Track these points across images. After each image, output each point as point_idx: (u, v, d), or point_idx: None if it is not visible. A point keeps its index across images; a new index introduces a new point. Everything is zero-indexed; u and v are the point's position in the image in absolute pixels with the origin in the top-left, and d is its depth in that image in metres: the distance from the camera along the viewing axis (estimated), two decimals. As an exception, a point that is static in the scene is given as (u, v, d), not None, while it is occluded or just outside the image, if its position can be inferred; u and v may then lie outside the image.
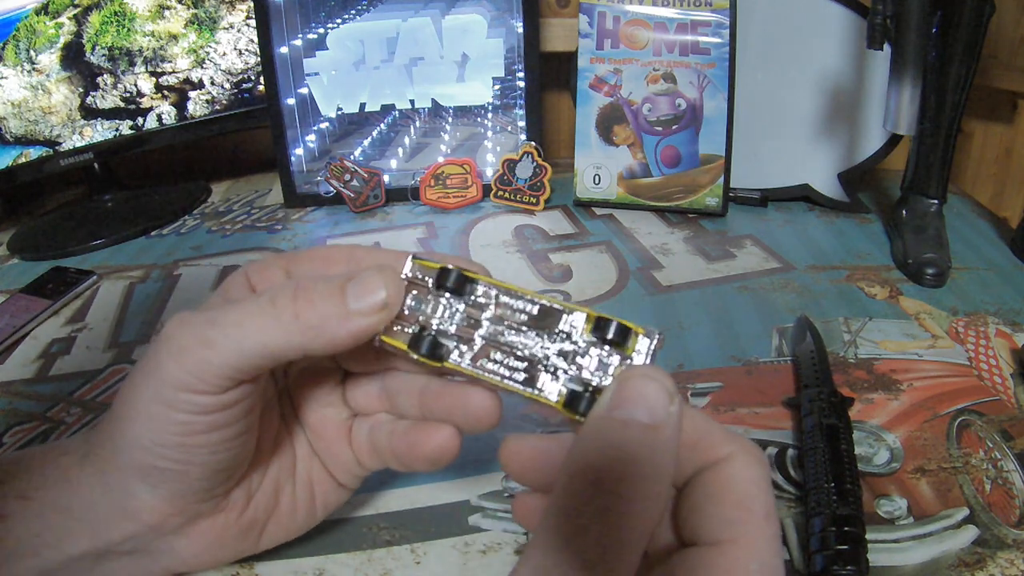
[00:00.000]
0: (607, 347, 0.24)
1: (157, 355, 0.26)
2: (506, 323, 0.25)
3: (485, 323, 0.25)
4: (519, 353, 0.25)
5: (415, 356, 0.26)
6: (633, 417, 0.21)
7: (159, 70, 0.79)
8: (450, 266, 0.26)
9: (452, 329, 0.26)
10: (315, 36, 0.78)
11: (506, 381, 0.25)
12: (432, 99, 0.79)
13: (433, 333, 0.26)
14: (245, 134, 0.95)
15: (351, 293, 0.25)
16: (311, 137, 0.82)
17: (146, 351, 0.27)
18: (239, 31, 0.81)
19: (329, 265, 0.29)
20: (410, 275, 0.27)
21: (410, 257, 0.27)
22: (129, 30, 0.77)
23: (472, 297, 0.26)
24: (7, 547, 0.28)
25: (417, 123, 0.86)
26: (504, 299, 0.25)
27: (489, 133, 0.83)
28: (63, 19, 0.74)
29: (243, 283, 0.29)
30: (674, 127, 0.70)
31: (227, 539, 0.31)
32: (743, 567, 0.20)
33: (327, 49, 0.76)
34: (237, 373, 0.26)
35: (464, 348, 0.26)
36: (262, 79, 0.77)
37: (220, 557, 0.32)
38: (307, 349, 0.25)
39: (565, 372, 0.24)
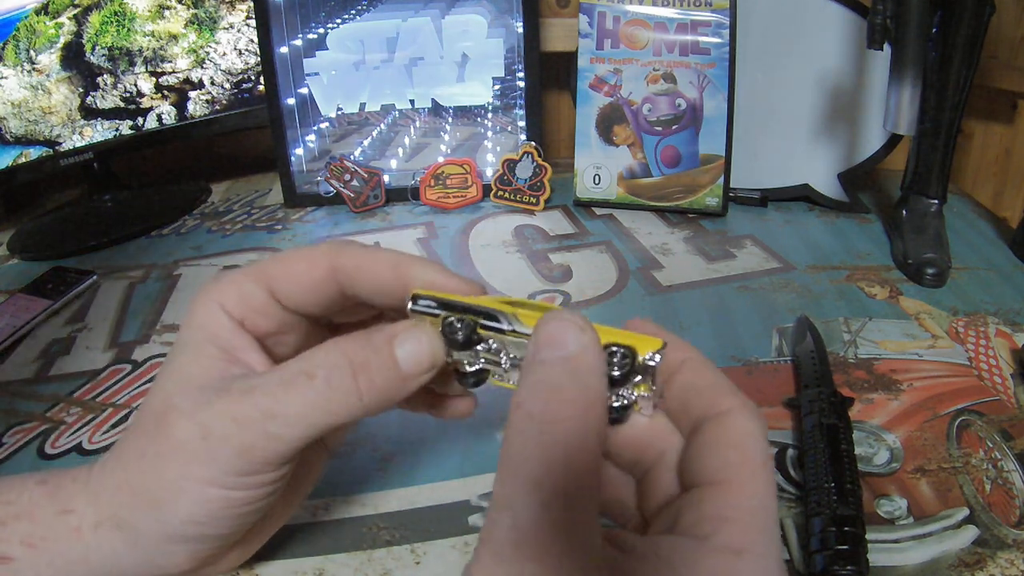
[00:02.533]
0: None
1: (195, 440, 0.26)
2: None
3: (504, 358, 0.27)
4: None
5: (467, 389, 0.29)
6: (549, 355, 0.23)
7: (159, 70, 0.79)
8: (455, 322, 0.27)
9: (480, 364, 0.27)
10: (315, 36, 0.78)
11: None
12: (432, 99, 0.79)
13: (476, 369, 0.28)
14: (245, 134, 0.95)
15: (404, 364, 0.27)
16: (311, 137, 0.82)
17: (166, 426, 0.27)
18: (239, 31, 0.81)
19: (312, 269, 0.29)
20: (419, 310, 0.27)
21: (410, 299, 0.27)
22: (129, 30, 0.77)
23: (483, 345, 0.27)
24: None
25: (417, 123, 0.86)
26: (511, 342, 0.26)
27: (489, 133, 0.83)
28: (63, 19, 0.74)
29: (219, 315, 0.29)
30: (674, 127, 0.70)
31: (248, 553, 0.33)
32: (740, 504, 0.22)
33: (327, 49, 0.76)
34: (296, 451, 0.27)
35: (498, 370, 0.27)
36: (262, 79, 0.77)
37: (234, 566, 0.33)
38: (368, 415, 0.27)
39: None
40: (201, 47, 0.80)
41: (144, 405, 0.29)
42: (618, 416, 0.25)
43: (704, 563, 0.21)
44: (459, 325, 0.26)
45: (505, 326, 0.26)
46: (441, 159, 0.78)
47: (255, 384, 0.27)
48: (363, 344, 0.27)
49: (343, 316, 0.33)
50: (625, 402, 0.25)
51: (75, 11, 0.74)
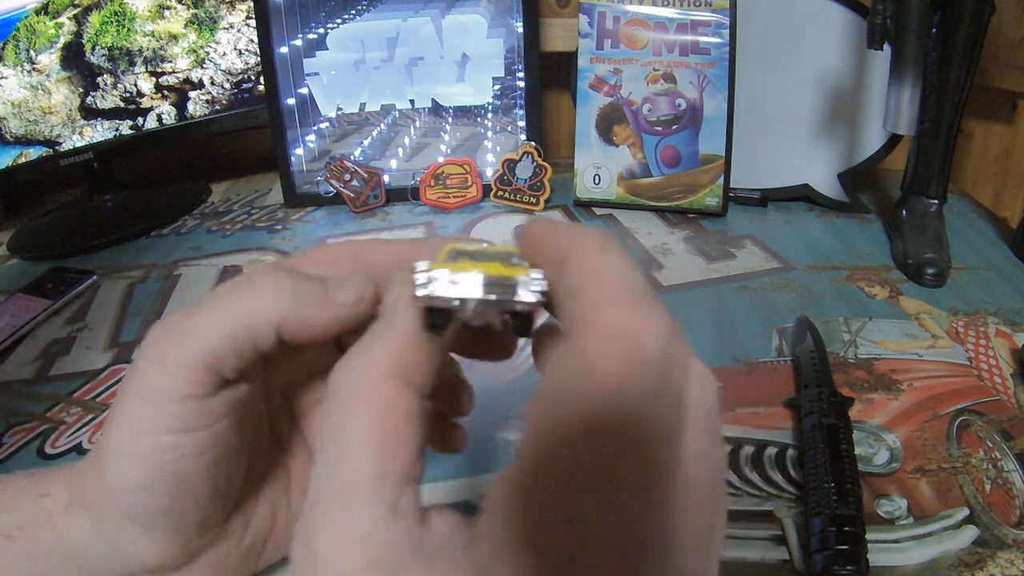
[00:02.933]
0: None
1: (135, 371, 0.25)
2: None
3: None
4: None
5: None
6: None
7: (159, 70, 0.79)
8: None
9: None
10: (315, 36, 0.78)
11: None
12: (432, 99, 0.79)
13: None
14: (245, 134, 0.95)
15: (332, 286, 0.24)
16: (311, 137, 0.82)
17: (124, 382, 0.25)
18: (239, 31, 0.81)
19: (335, 266, 0.27)
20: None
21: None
22: (129, 30, 0.77)
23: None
24: None
25: (417, 123, 0.86)
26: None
27: (489, 133, 0.83)
28: (63, 19, 0.74)
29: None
30: (674, 127, 0.70)
31: (229, 568, 0.30)
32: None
33: (327, 49, 0.76)
34: (217, 360, 0.24)
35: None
36: (262, 79, 0.77)
37: None
38: (284, 326, 0.24)
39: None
40: (201, 47, 0.80)
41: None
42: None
43: (447, 557, 0.17)
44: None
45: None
46: (441, 159, 0.78)
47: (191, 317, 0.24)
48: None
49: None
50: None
51: (75, 11, 0.74)
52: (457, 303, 0.20)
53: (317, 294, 0.24)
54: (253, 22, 0.76)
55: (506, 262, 0.21)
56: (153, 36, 0.78)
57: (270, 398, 0.31)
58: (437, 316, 0.21)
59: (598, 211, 0.75)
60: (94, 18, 0.75)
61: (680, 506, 0.17)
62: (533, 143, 0.76)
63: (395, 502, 0.18)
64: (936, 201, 0.63)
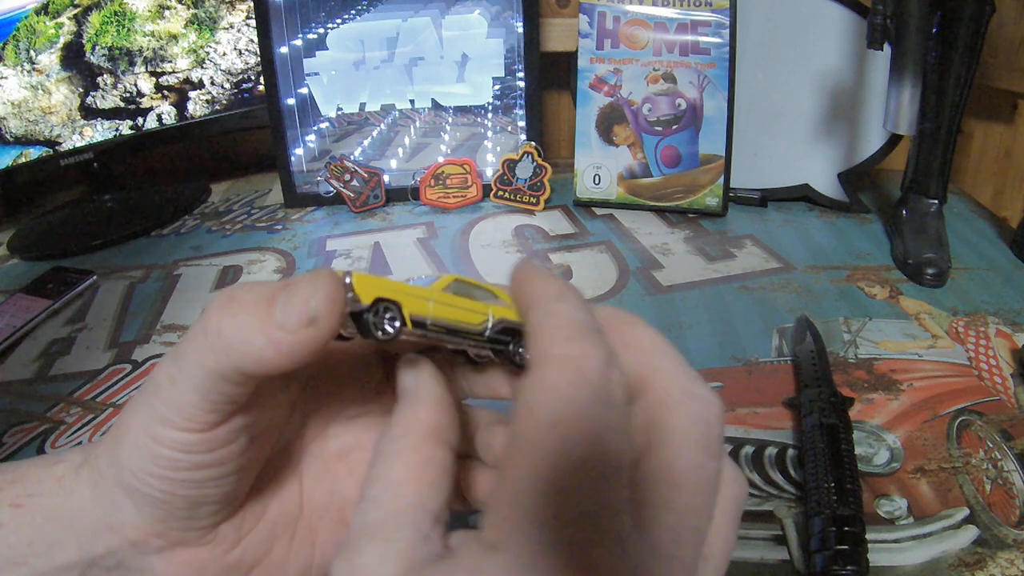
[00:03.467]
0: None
1: (154, 379, 0.25)
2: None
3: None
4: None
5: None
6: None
7: (159, 70, 0.79)
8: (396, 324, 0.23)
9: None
10: (315, 36, 0.78)
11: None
12: (432, 99, 0.79)
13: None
14: (245, 134, 0.95)
15: (279, 305, 0.21)
16: (311, 137, 0.82)
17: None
18: (239, 31, 0.81)
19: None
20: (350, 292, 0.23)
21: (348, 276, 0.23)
22: (129, 30, 0.77)
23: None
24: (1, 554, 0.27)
25: (417, 123, 0.86)
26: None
27: (489, 133, 0.83)
28: (63, 19, 0.74)
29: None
30: (674, 127, 0.70)
31: (208, 573, 0.29)
32: (503, 487, 0.19)
33: (327, 49, 0.76)
34: (205, 404, 0.23)
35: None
36: (262, 79, 0.77)
37: None
38: (237, 370, 0.22)
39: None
40: (201, 47, 0.80)
41: None
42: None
43: (463, 559, 0.19)
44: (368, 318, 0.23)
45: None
46: (441, 159, 0.78)
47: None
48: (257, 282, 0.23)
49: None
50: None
51: (75, 11, 0.74)
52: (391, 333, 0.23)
53: (261, 327, 0.22)
54: (253, 22, 0.76)
55: (486, 302, 0.25)
56: (153, 36, 0.78)
57: (292, 414, 0.30)
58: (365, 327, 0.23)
59: (598, 211, 0.75)
60: (94, 18, 0.75)
61: (650, 501, 0.20)
62: (533, 143, 0.76)
63: (428, 533, 0.21)
64: (936, 201, 0.63)
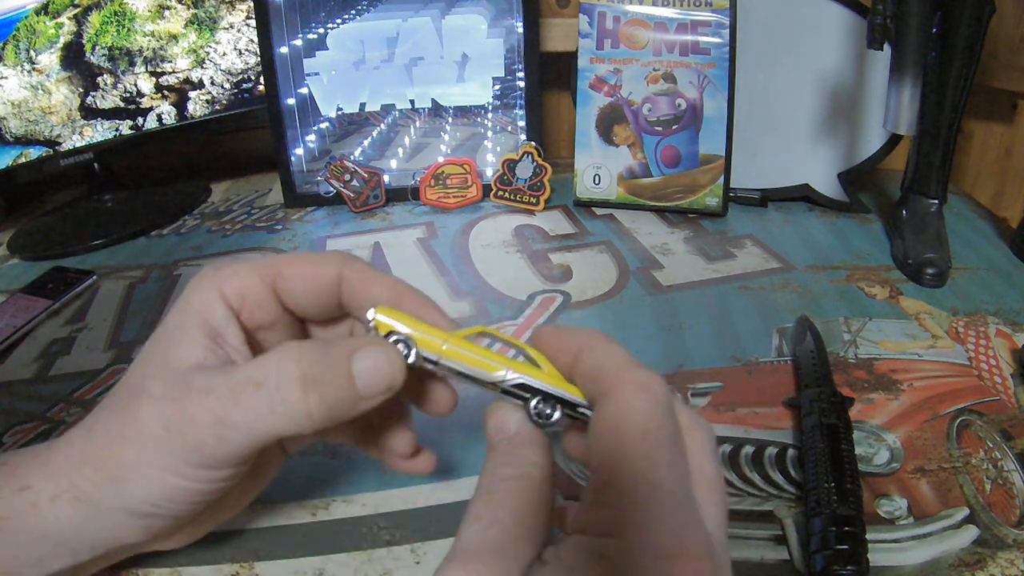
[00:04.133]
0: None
1: (158, 429, 0.26)
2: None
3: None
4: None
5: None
6: (498, 438, 0.28)
7: (159, 70, 0.79)
8: (409, 358, 0.27)
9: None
10: (315, 36, 0.78)
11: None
12: (432, 99, 0.79)
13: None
14: (245, 134, 0.95)
15: (360, 382, 0.26)
16: (311, 137, 0.82)
17: (136, 409, 0.27)
18: (239, 31, 0.81)
19: (321, 274, 0.30)
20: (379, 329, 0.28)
21: (373, 313, 0.28)
22: (129, 30, 0.77)
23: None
24: None
25: (417, 123, 0.86)
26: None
27: (489, 133, 0.83)
28: (63, 19, 0.74)
29: (216, 302, 0.29)
30: (674, 127, 0.70)
31: (193, 536, 0.33)
32: (607, 501, 0.23)
33: (327, 49, 0.76)
34: (249, 455, 0.27)
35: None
36: (262, 79, 0.77)
37: (182, 544, 0.34)
38: (308, 432, 0.27)
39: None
40: (201, 47, 0.80)
41: (121, 381, 0.29)
42: (546, 423, 0.27)
43: (571, 567, 0.22)
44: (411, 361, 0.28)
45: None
46: (441, 159, 0.78)
47: (213, 385, 0.26)
48: (319, 356, 0.26)
49: (331, 322, 0.33)
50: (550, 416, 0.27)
51: (75, 11, 0.74)
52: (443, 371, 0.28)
53: (345, 398, 0.26)
54: (253, 22, 0.76)
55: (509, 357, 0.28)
56: (153, 36, 0.78)
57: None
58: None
59: (598, 211, 0.75)
60: (94, 18, 0.75)
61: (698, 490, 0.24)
62: (533, 143, 0.76)
63: (541, 552, 0.24)
64: (936, 201, 0.63)
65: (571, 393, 0.27)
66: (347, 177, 0.77)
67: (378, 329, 0.27)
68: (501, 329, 0.55)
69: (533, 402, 0.27)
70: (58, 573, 0.30)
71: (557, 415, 0.27)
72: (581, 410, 0.27)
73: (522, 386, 0.27)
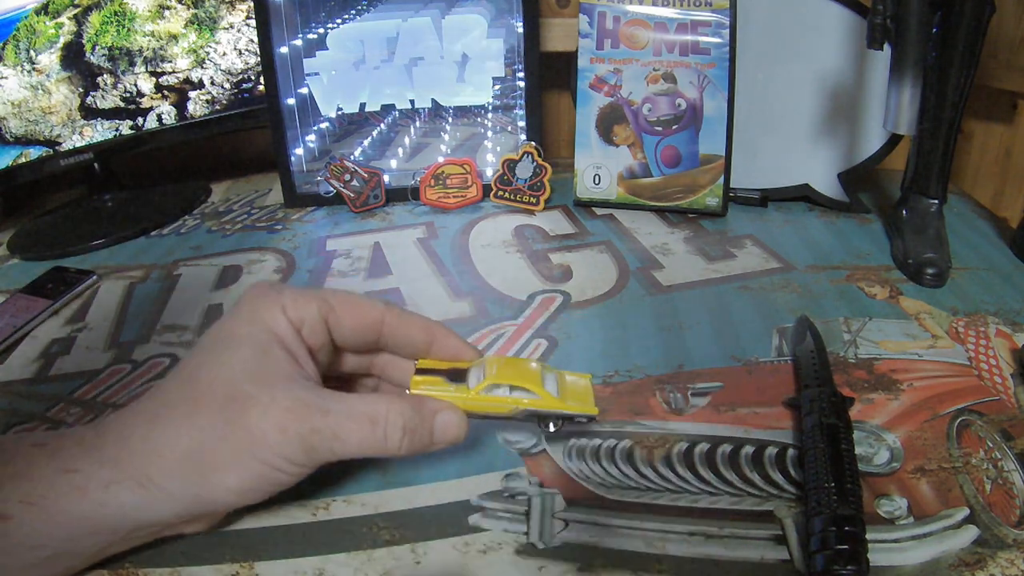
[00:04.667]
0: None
1: (273, 432, 0.31)
2: None
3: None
4: None
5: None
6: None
7: (159, 70, 0.79)
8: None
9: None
10: (315, 36, 0.78)
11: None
12: (432, 99, 0.78)
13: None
14: (245, 134, 0.95)
15: (436, 435, 0.35)
16: (311, 137, 0.82)
17: (241, 411, 0.32)
18: (239, 31, 0.81)
19: (367, 317, 0.37)
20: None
21: (415, 371, 0.38)
22: (129, 30, 0.77)
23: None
24: (15, 540, 0.30)
25: (417, 123, 0.86)
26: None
27: (489, 133, 0.84)
28: (63, 19, 0.74)
29: (284, 321, 0.35)
30: (674, 127, 0.70)
31: (217, 519, 0.38)
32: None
33: (327, 49, 0.76)
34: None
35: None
36: (262, 79, 0.77)
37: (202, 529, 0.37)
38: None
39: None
40: (201, 47, 0.80)
41: (196, 382, 0.33)
42: (547, 430, 0.39)
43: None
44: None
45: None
46: (441, 159, 0.78)
47: (329, 408, 0.33)
48: (414, 412, 0.34)
49: (363, 352, 0.40)
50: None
51: (75, 11, 0.74)
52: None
53: (425, 444, 0.35)
54: (253, 22, 0.76)
55: (518, 396, 0.37)
56: (153, 36, 0.78)
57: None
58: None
59: (598, 211, 0.75)
60: (94, 18, 0.75)
61: None
62: (533, 143, 0.76)
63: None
64: (936, 201, 0.63)
65: (557, 407, 0.37)
66: (347, 177, 0.77)
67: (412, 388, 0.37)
68: (501, 329, 0.55)
69: (540, 423, 0.38)
70: (86, 549, 0.32)
71: (551, 428, 0.38)
72: (579, 419, 0.38)
73: (529, 413, 0.37)
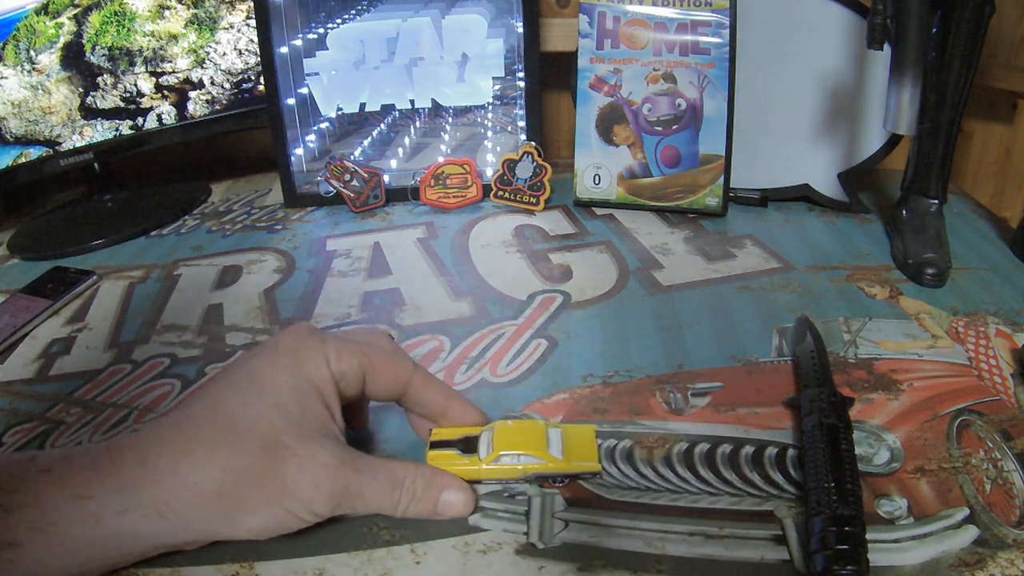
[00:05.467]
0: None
1: (307, 485, 0.33)
2: None
3: None
4: None
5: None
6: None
7: (159, 70, 0.79)
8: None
9: None
10: (315, 36, 0.78)
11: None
12: (432, 99, 0.78)
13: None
14: (245, 134, 0.95)
15: (441, 506, 0.37)
16: (311, 137, 0.82)
17: (279, 460, 0.33)
18: (239, 31, 0.81)
19: (399, 377, 0.39)
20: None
21: (428, 443, 0.40)
22: (129, 30, 0.77)
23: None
24: (23, 567, 0.30)
25: (417, 123, 0.86)
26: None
27: (489, 133, 0.84)
28: (63, 19, 0.74)
29: (327, 373, 0.36)
30: (674, 127, 0.70)
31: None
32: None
33: (327, 49, 0.76)
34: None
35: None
36: (262, 79, 0.77)
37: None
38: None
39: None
40: (201, 47, 0.80)
41: (233, 424, 0.33)
42: (552, 487, 0.41)
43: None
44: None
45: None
46: (441, 159, 0.78)
47: (361, 468, 0.35)
48: (426, 483, 0.37)
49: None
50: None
51: (75, 11, 0.74)
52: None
53: (431, 513, 0.38)
54: (253, 22, 0.76)
55: (527, 463, 0.40)
56: (153, 36, 0.78)
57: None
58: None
59: (598, 211, 0.75)
60: (94, 18, 0.75)
61: None
62: (533, 143, 0.76)
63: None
64: (936, 201, 0.63)
65: (561, 469, 0.39)
66: (347, 177, 0.77)
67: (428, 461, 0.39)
68: (501, 329, 0.55)
69: (548, 481, 0.40)
70: (94, 571, 0.32)
71: (557, 485, 0.40)
72: (581, 480, 0.40)
73: (537, 476, 0.40)
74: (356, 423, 0.43)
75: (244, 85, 0.83)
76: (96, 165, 0.80)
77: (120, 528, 0.31)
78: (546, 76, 0.80)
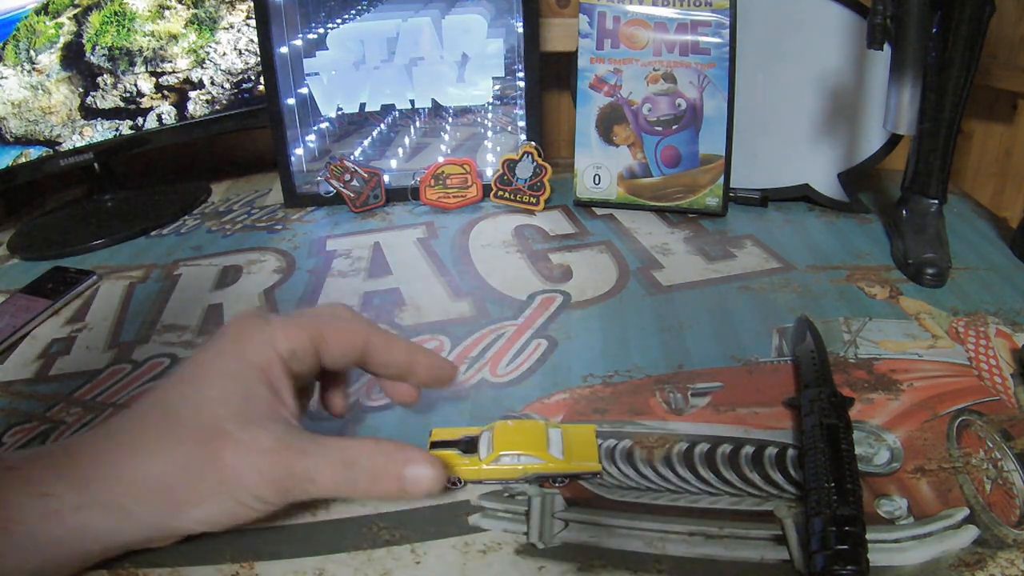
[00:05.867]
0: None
1: (249, 472, 0.32)
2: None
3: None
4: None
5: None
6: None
7: (159, 70, 0.79)
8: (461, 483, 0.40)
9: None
10: (315, 36, 0.78)
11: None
12: (432, 99, 0.79)
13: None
14: (245, 134, 0.95)
15: (409, 488, 0.34)
16: (311, 137, 0.82)
17: (219, 449, 0.32)
18: (239, 31, 0.81)
19: (355, 340, 0.37)
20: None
21: (428, 444, 0.41)
22: (129, 30, 0.77)
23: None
24: None
25: (417, 123, 0.86)
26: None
27: (489, 133, 0.84)
28: (63, 19, 0.74)
29: (272, 356, 0.35)
30: (674, 127, 0.70)
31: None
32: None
33: (327, 49, 0.76)
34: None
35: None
36: (262, 79, 0.77)
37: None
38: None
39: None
40: (201, 47, 0.80)
41: (176, 414, 0.33)
42: (551, 487, 0.41)
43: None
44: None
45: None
46: (441, 159, 0.78)
47: (307, 450, 0.33)
48: (386, 459, 0.34)
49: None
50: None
51: (75, 11, 0.74)
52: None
53: (394, 494, 0.35)
54: (253, 22, 0.76)
55: (527, 463, 0.40)
56: (153, 36, 0.78)
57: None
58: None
59: (598, 211, 0.75)
60: (94, 18, 0.75)
61: None
62: (533, 143, 0.76)
63: None
64: (936, 201, 0.63)
65: (562, 469, 0.39)
66: (347, 177, 0.77)
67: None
68: (501, 329, 0.55)
69: (547, 482, 0.40)
70: (61, 569, 0.32)
71: (557, 485, 0.40)
72: (582, 480, 0.40)
73: (537, 476, 0.40)
74: (334, 408, 0.42)
75: (244, 85, 0.83)
76: (96, 165, 0.80)
77: (77, 524, 0.31)
78: (546, 76, 0.80)
